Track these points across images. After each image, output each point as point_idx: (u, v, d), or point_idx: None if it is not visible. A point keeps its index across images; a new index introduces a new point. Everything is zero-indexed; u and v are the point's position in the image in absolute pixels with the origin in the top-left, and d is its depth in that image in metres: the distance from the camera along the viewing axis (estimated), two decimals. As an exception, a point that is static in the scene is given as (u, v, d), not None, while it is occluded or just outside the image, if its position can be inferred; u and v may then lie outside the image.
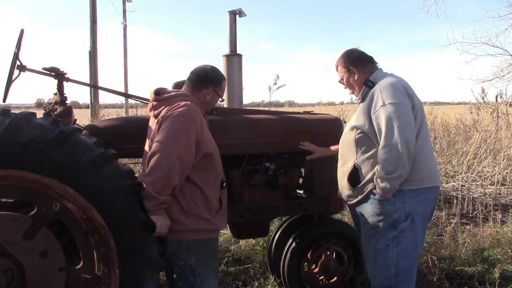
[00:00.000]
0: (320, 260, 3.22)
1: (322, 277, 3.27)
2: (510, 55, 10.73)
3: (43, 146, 1.88)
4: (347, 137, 2.59)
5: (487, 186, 6.11)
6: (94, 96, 13.20)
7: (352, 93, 2.75)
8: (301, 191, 3.37)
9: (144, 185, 2.10)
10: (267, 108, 6.35)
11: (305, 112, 3.42)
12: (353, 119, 2.59)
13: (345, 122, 3.07)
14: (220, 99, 2.56)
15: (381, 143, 2.35)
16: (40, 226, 1.94)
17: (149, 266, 2.09)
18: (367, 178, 2.48)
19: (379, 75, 2.58)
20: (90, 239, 2.02)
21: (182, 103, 2.27)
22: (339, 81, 2.74)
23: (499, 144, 7.28)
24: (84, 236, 2.02)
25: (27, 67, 2.65)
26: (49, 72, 2.79)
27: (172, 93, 2.39)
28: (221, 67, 4.18)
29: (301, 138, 3.08)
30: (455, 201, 5.52)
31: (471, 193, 5.75)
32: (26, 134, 1.87)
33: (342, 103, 10.98)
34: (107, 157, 2.01)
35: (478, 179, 6.23)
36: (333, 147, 2.98)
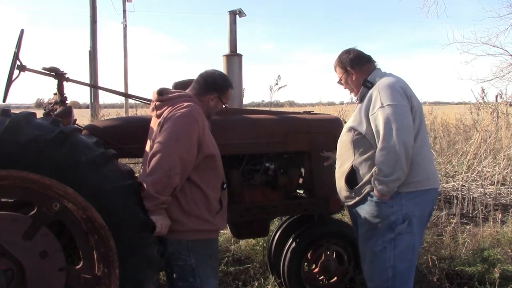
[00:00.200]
0: (320, 260, 3.22)
1: (322, 277, 3.27)
2: (510, 55, 10.74)
3: (43, 146, 1.88)
4: (345, 138, 2.58)
5: (487, 186, 6.11)
6: (94, 96, 13.20)
7: (352, 93, 2.74)
8: (301, 191, 3.37)
9: (145, 185, 2.10)
10: (267, 108, 6.34)
11: (305, 112, 3.42)
12: (351, 120, 2.58)
13: (345, 122, 3.06)
14: (224, 107, 2.55)
15: (379, 145, 2.33)
16: (40, 226, 1.94)
17: (149, 266, 2.09)
18: (364, 180, 2.46)
19: (378, 75, 2.56)
20: (90, 239, 2.02)
21: (185, 104, 2.27)
22: (338, 82, 2.74)
23: (499, 144, 7.28)
24: (84, 236, 2.02)
25: (27, 67, 2.65)
26: (49, 72, 2.79)
27: (176, 94, 2.39)
28: (221, 67, 4.18)
29: (301, 138, 3.08)
30: (455, 201, 5.52)
31: (471, 193, 5.74)
32: (26, 134, 1.87)
33: (342, 103, 11.00)
34: (107, 157, 2.01)
35: (478, 179, 6.23)
36: None
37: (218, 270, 2.58)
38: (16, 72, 2.61)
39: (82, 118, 9.17)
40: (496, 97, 9.35)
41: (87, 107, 14.36)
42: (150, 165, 2.13)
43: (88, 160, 1.94)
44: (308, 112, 3.43)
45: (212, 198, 2.33)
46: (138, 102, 4.36)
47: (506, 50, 10.77)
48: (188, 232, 2.27)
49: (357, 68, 2.60)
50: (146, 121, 2.58)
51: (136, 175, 2.30)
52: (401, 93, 2.38)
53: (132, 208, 2.03)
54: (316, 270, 3.24)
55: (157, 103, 2.38)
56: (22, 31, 2.63)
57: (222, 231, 4.26)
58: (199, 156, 2.25)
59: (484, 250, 3.76)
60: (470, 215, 5.44)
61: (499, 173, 6.26)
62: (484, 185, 6.04)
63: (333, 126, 3.21)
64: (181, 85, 2.74)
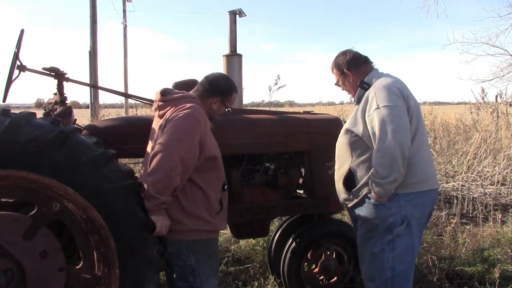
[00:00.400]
0: (320, 260, 3.22)
1: (322, 277, 3.28)
2: (510, 55, 10.74)
3: (43, 146, 1.88)
4: (342, 140, 2.57)
5: (487, 186, 6.10)
6: (94, 96, 13.21)
7: (350, 94, 2.73)
8: (301, 191, 3.37)
9: (145, 185, 2.10)
10: (267, 108, 6.34)
11: (305, 112, 3.42)
12: (348, 122, 2.57)
13: (344, 122, 3.07)
14: (227, 110, 2.55)
15: (375, 147, 2.32)
16: (40, 226, 1.94)
17: (149, 266, 2.09)
18: (362, 182, 2.46)
19: (375, 76, 2.55)
20: (90, 239, 2.02)
21: (188, 105, 2.27)
22: (335, 84, 2.73)
23: (499, 144, 7.28)
24: (84, 236, 2.02)
25: (27, 67, 2.65)
26: (49, 72, 2.79)
27: (179, 95, 2.39)
28: (221, 67, 4.18)
29: (301, 138, 3.08)
30: (455, 201, 5.52)
31: (471, 193, 5.74)
32: (26, 134, 1.87)
33: (342, 103, 11.00)
34: (107, 157, 2.01)
35: (478, 179, 6.23)
36: None
37: (218, 270, 2.58)
38: (16, 72, 2.61)
39: (82, 118, 9.17)
40: (496, 97, 9.36)
41: (87, 107, 14.37)
42: (151, 165, 2.13)
43: (88, 160, 1.94)
44: (308, 112, 3.43)
45: (213, 199, 2.33)
46: (138, 102, 4.35)
47: (506, 50, 10.79)
48: (188, 232, 2.27)
49: (353, 69, 2.59)
50: (146, 121, 2.57)
51: (136, 175, 2.30)
52: (398, 94, 2.36)
53: (132, 208, 2.03)
54: (316, 270, 3.24)
55: (160, 103, 2.38)
56: (22, 31, 2.63)
57: (222, 231, 4.26)
58: (200, 157, 2.25)
59: (484, 250, 3.76)
60: (470, 215, 5.44)
61: (499, 173, 6.26)
62: (484, 185, 6.03)
63: (333, 126, 3.21)
64: (181, 85, 2.74)
